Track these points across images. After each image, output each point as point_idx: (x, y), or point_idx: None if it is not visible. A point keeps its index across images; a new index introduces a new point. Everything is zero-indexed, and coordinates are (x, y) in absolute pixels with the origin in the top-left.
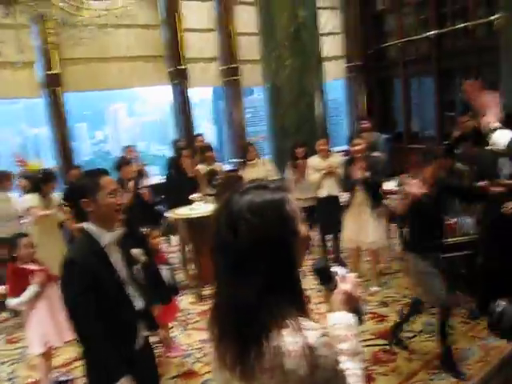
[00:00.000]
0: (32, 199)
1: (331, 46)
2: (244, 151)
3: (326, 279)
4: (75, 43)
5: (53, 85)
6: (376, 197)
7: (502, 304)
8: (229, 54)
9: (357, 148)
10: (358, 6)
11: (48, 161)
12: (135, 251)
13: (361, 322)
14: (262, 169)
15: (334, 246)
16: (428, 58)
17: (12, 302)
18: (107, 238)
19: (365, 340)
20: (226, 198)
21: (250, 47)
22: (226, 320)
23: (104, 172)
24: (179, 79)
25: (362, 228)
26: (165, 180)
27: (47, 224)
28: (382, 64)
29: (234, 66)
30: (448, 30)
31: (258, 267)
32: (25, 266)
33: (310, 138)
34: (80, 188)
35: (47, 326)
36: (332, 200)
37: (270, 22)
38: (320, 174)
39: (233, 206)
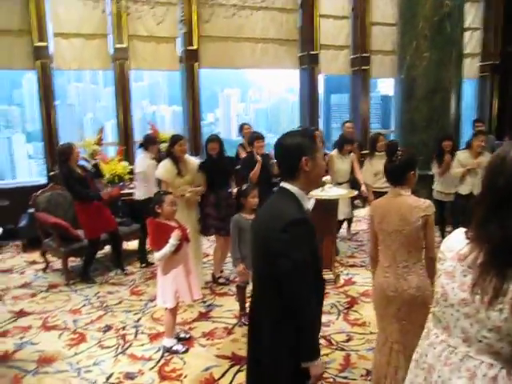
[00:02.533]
0: (163, 167)
1: (468, 42)
2: (374, 142)
3: None
4: (214, 21)
5: (190, 60)
6: None
7: None
8: (360, 43)
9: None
10: (504, 1)
11: None
12: None
13: None
14: None
15: None
16: None
17: (157, 255)
18: (310, 203)
19: None
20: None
21: (382, 38)
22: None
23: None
24: (310, 64)
25: None
26: None
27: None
28: None
29: (365, 55)
30: None
31: None
32: (167, 222)
33: (440, 136)
34: (300, 146)
35: (181, 282)
36: (474, 198)
37: (412, 11)
38: (464, 169)
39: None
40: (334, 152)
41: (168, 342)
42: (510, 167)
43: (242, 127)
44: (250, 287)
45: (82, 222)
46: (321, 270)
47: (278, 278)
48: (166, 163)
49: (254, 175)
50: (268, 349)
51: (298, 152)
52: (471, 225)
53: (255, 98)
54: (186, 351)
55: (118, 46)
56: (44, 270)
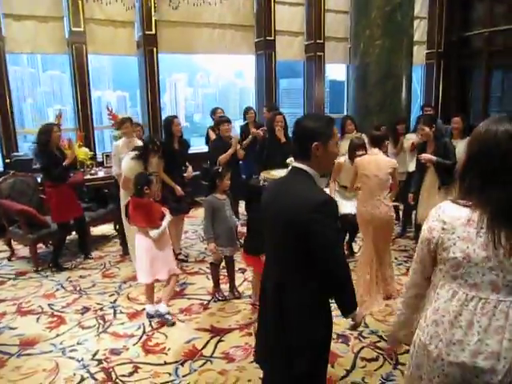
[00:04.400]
0: (129, 163)
1: (416, 30)
2: (343, 124)
3: None
4: (176, 4)
5: (149, 44)
6: (445, 178)
7: None
8: (315, 29)
9: (422, 133)
10: None
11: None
12: None
13: None
14: None
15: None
16: None
17: (156, 232)
18: (323, 184)
19: None
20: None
21: (335, 25)
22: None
23: (333, 120)
24: (266, 50)
25: (430, 206)
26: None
27: None
28: (464, 53)
29: (319, 41)
30: None
31: None
32: (153, 201)
33: (392, 119)
34: (314, 130)
35: (157, 260)
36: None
37: (365, 1)
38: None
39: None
40: None
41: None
42: (503, 140)
43: (214, 111)
44: (223, 264)
45: (54, 205)
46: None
47: (311, 253)
48: (130, 162)
49: (223, 158)
50: (296, 313)
51: (311, 136)
52: (462, 193)
53: (203, 82)
54: (173, 324)
55: (74, 29)
56: (9, 258)
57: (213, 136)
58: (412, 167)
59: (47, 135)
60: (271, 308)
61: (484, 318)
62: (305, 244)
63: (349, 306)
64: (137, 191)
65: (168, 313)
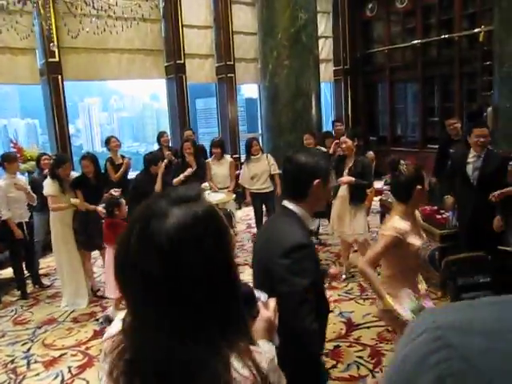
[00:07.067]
0: (50, 185)
1: (322, 49)
2: (248, 146)
3: (250, 305)
4: (76, 32)
5: (53, 72)
6: (358, 194)
7: None
8: (224, 51)
9: (343, 146)
10: (349, 11)
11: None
12: None
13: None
14: (265, 163)
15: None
16: (413, 65)
17: None
18: (312, 224)
19: (370, 322)
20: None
21: (245, 46)
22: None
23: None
24: (177, 74)
25: (343, 220)
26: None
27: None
28: (368, 69)
29: (229, 63)
30: (433, 40)
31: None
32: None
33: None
34: (315, 167)
35: None
36: None
37: (271, 23)
38: None
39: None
40: (210, 159)
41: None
42: None
43: (109, 140)
44: None
45: None
46: (323, 292)
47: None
48: (51, 182)
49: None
50: None
51: (311, 173)
52: None
53: (118, 106)
54: None
55: None
56: None
57: (111, 171)
58: None
59: None
60: None
61: None
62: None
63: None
64: (108, 213)
65: None
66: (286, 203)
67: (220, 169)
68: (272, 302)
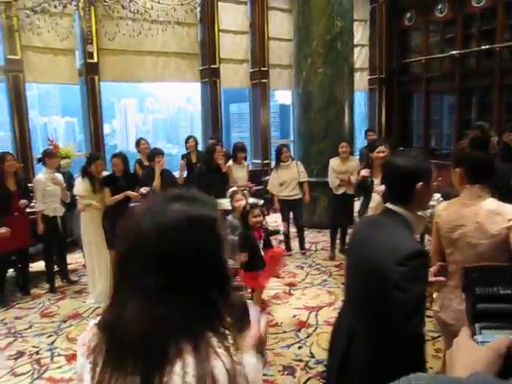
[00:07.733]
0: (80, 184)
1: (358, 57)
2: (278, 153)
3: (242, 320)
4: (113, 35)
5: (91, 73)
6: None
7: None
8: (259, 57)
9: (380, 155)
10: (386, 20)
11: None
12: None
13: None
14: (294, 170)
15: (341, 238)
16: (451, 75)
17: None
18: (421, 228)
19: None
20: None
21: (279, 52)
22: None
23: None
24: (211, 78)
25: None
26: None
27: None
28: (404, 79)
29: (264, 69)
30: (472, 50)
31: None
32: None
33: (336, 145)
34: (417, 170)
35: None
36: (347, 196)
37: (307, 30)
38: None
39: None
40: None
41: None
42: None
43: (138, 142)
44: None
45: None
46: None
47: (387, 309)
48: (81, 181)
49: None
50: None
51: (414, 176)
52: None
53: (153, 108)
54: None
55: (10, 57)
56: None
57: (140, 171)
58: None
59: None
60: (338, 352)
61: None
62: (383, 299)
63: None
64: None
65: None
66: (390, 205)
67: (242, 172)
68: (263, 320)
